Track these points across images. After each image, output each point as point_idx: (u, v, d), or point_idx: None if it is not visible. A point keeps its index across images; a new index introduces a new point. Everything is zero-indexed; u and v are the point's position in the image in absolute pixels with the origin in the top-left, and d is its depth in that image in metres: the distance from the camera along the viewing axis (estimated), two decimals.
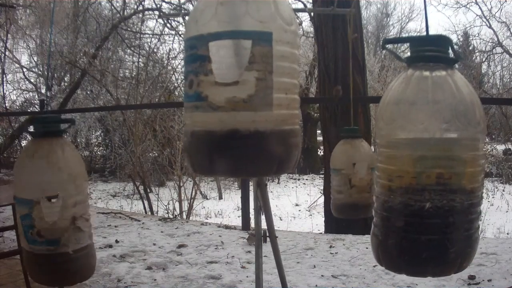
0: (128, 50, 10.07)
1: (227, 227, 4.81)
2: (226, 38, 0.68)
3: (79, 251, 1.01)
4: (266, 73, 0.68)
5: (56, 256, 0.99)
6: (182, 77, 6.67)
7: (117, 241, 4.00)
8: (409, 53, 0.78)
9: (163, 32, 9.08)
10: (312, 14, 7.33)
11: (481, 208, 0.75)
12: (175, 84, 9.27)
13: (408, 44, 0.80)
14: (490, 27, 13.62)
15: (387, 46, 0.83)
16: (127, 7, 9.61)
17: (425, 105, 0.71)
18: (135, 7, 9.45)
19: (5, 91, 11.04)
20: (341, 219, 1.67)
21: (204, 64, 0.68)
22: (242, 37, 0.68)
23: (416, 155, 0.71)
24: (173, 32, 8.75)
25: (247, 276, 3.10)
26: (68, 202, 1.00)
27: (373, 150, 1.68)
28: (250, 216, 4.52)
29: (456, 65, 0.77)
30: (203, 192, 9.25)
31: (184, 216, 6.96)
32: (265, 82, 0.68)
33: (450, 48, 0.76)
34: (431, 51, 0.75)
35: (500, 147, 12.66)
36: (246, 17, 0.67)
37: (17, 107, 11.68)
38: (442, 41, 0.76)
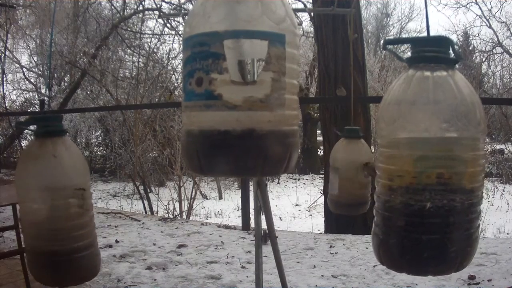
0: (128, 50, 10.07)
1: (227, 227, 4.81)
2: (243, 37, 0.68)
3: (88, 248, 1.03)
4: (280, 74, 0.69)
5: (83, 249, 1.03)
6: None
7: (117, 241, 4.00)
8: (409, 53, 0.79)
9: (163, 32, 9.10)
10: (312, 14, 7.33)
11: (481, 207, 0.76)
12: (175, 84, 9.28)
13: (408, 44, 0.81)
14: (490, 27, 13.64)
15: (387, 46, 0.84)
16: (127, 7, 9.63)
17: (426, 105, 0.72)
18: (135, 7, 9.46)
19: (5, 91, 11.05)
20: (341, 219, 1.69)
21: (217, 62, 0.67)
22: (259, 37, 0.68)
23: (416, 155, 0.72)
24: (173, 32, 8.76)
25: (247, 276, 3.10)
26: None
27: (373, 150, 1.70)
28: (250, 216, 4.52)
29: (456, 65, 0.77)
30: (203, 192, 9.25)
31: (184, 216, 6.96)
32: (279, 83, 0.69)
33: (451, 49, 0.76)
34: (432, 51, 0.75)
35: (500, 147, 12.66)
36: (263, 18, 0.67)
37: (17, 107, 11.67)
38: (443, 41, 0.76)
